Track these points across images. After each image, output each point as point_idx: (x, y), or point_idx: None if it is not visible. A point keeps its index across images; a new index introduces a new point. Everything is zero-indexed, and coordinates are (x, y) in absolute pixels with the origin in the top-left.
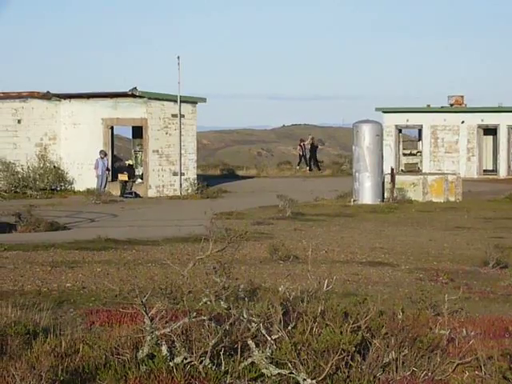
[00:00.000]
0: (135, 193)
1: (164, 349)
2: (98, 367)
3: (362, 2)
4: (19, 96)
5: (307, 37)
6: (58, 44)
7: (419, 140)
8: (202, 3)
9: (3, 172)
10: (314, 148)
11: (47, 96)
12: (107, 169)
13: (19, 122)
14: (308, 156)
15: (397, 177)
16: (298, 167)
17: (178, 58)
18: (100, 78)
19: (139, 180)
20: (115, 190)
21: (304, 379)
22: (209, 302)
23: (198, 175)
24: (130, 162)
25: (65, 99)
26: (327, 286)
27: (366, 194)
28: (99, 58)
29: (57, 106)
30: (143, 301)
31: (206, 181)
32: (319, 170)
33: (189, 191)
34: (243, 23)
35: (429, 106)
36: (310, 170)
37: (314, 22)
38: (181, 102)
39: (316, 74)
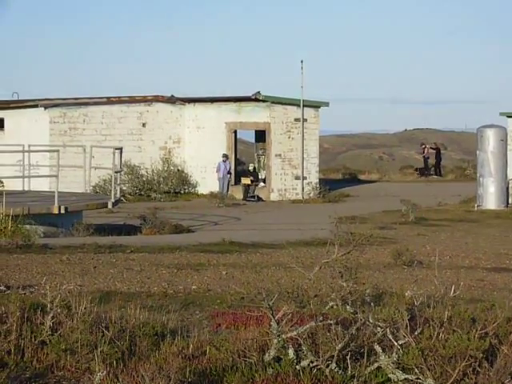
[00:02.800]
0: (258, 196)
1: (291, 352)
2: (225, 369)
3: (487, 3)
4: (144, 100)
5: (429, 40)
6: (182, 48)
7: None
8: (324, 8)
9: (128, 175)
10: (438, 153)
11: (172, 100)
12: (228, 172)
13: (144, 125)
14: (430, 161)
15: None
16: (426, 172)
17: (302, 62)
18: (224, 82)
19: (262, 184)
20: (238, 193)
21: None
22: (335, 306)
23: (319, 179)
24: (253, 165)
25: (189, 103)
26: (454, 292)
27: (490, 199)
28: (223, 63)
29: (181, 109)
30: (270, 304)
31: (327, 185)
32: (440, 175)
33: (311, 195)
34: (365, 27)
35: None
36: (436, 174)
37: (435, 24)
38: (304, 106)
39: (438, 78)
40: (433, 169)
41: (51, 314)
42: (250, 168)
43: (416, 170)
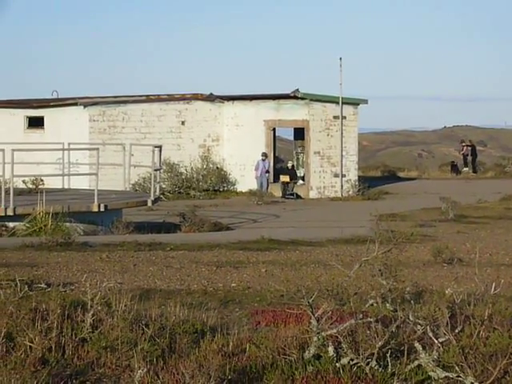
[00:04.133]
0: (297, 194)
1: (330, 350)
2: (265, 367)
3: None
4: (183, 98)
5: (468, 37)
6: (222, 47)
7: None
8: (363, 6)
9: (167, 173)
10: (473, 150)
11: (210, 98)
12: (267, 171)
13: (183, 123)
14: (470, 158)
15: None
16: (465, 169)
17: (341, 59)
18: (262, 79)
19: (301, 181)
20: (277, 191)
21: (472, 383)
22: (375, 304)
23: (358, 177)
24: (292, 163)
25: (228, 101)
26: (494, 290)
27: None
28: (262, 60)
29: (220, 107)
30: (310, 301)
31: (366, 182)
32: (475, 172)
33: (350, 193)
34: (404, 24)
35: None
36: (474, 172)
37: (474, 22)
38: (342, 103)
39: (478, 75)
40: (466, 166)
41: (91, 312)
42: (289, 166)
43: (452, 167)
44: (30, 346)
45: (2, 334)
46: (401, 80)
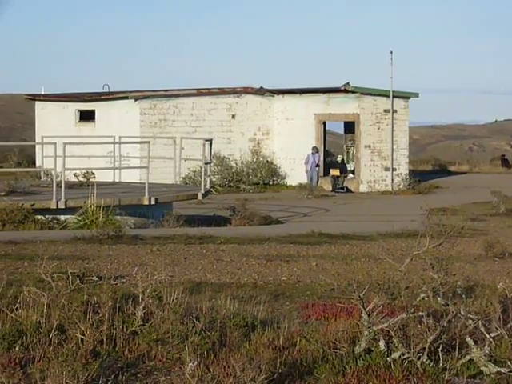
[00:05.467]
0: (347, 188)
1: (381, 344)
2: (316, 361)
3: None
4: (234, 92)
5: None
6: (272, 40)
7: None
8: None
9: (218, 166)
10: None
11: (261, 91)
12: (317, 165)
13: (233, 117)
14: None
15: None
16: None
17: (391, 52)
18: (312, 73)
19: (351, 175)
20: (327, 184)
21: None
22: (426, 298)
23: (409, 170)
24: (342, 157)
25: (278, 95)
26: None
27: None
28: (312, 54)
29: (270, 101)
30: (360, 295)
31: (417, 176)
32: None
33: (400, 186)
34: (455, 17)
35: None
36: None
37: None
38: (393, 97)
39: None
40: None
41: (142, 305)
42: (339, 159)
43: (502, 161)
44: (82, 339)
45: (54, 327)
46: (452, 73)
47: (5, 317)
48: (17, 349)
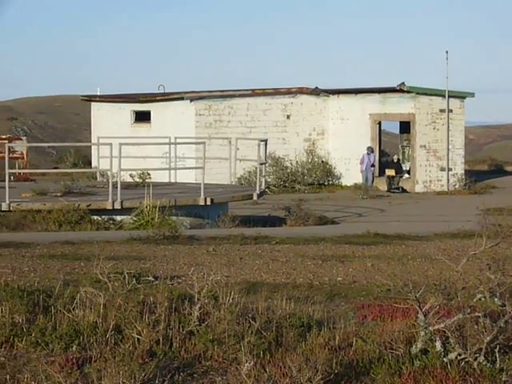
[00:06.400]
0: (402, 188)
1: (438, 344)
2: (372, 361)
3: None
4: (288, 92)
5: None
6: (326, 40)
7: None
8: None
9: (273, 167)
10: None
11: (316, 92)
12: (372, 165)
13: (288, 117)
14: None
15: None
16: None
17: (447, 52)
18: (367, 73)
19: (406, 175)
20: (382, 185)
21: None
22: (483, 299)
23: (465, 170)
24: (397, 157)
25: (333, 95)
26: None
27: None
28: (366, 54)
29: (325, 101)
30: (417, 296)
31: (473, 176)
32: None
33: (456, 187)
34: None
35: None
36: None
37: None
38: (449, 96)
39: None
40: None
41: (199, 305)
42: (394, 159)
43: None
44: (138, 339)
45: (111, 327)
46: (508, 73)
47: (62, 317)
48: (74, 349)
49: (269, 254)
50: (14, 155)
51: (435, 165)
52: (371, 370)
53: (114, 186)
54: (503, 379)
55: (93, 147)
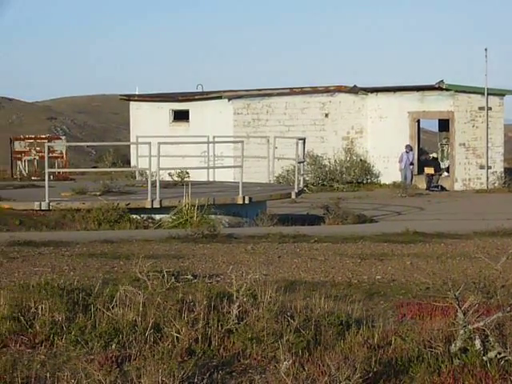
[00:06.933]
0: (441, 186)
1: (477, 343)
2: (411, 360)
3: None
4: (327, 90)
5: None
6: (364, 38)
7: None
8: None
9: (311, 165)
10: None
11: (354, 90)
12: (411, 163)
13: (326, 115)
14: None
15: None
16: None
17: (486, 50)
18: (406, 70)
19: (445, 173)
20: (421, 183)
21: None
22: None
23: (504, 168)
24: (436, 155)
25: (371, 93)
26: None
27: None
28: (405, 51)
29: (363, 99)
30: (456, 294)
31: None
32: None
33: (495, 185)
34: None
35: None
36: None
37: None
38: (488, 94)
39: None
40: None
41: (237, 303)
42: (433, 157)
43: None
44: (177, 337)
45: (150, 325)
46: None
47: (101, 315)
48: (113, 347)
49: (307, 253)
50: (54, 154)
51: (474, 163)
52: (410, 368)
53: (153, 184)
54: None
55: (132, 146)
